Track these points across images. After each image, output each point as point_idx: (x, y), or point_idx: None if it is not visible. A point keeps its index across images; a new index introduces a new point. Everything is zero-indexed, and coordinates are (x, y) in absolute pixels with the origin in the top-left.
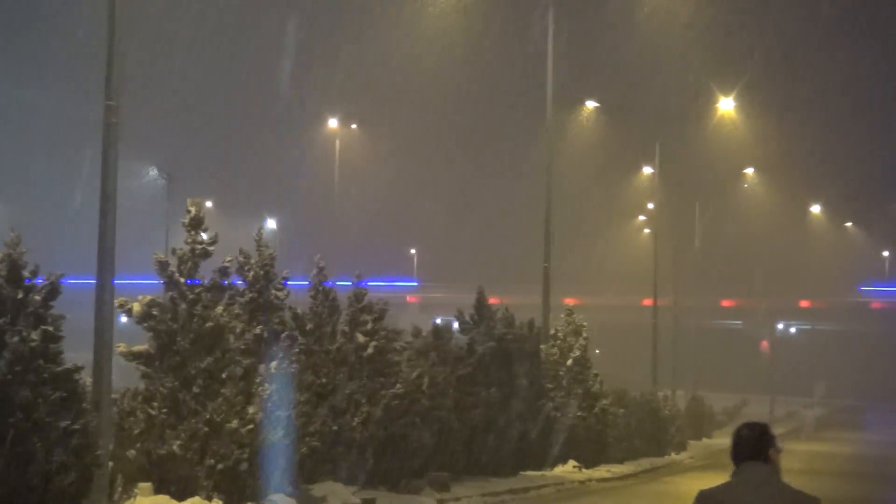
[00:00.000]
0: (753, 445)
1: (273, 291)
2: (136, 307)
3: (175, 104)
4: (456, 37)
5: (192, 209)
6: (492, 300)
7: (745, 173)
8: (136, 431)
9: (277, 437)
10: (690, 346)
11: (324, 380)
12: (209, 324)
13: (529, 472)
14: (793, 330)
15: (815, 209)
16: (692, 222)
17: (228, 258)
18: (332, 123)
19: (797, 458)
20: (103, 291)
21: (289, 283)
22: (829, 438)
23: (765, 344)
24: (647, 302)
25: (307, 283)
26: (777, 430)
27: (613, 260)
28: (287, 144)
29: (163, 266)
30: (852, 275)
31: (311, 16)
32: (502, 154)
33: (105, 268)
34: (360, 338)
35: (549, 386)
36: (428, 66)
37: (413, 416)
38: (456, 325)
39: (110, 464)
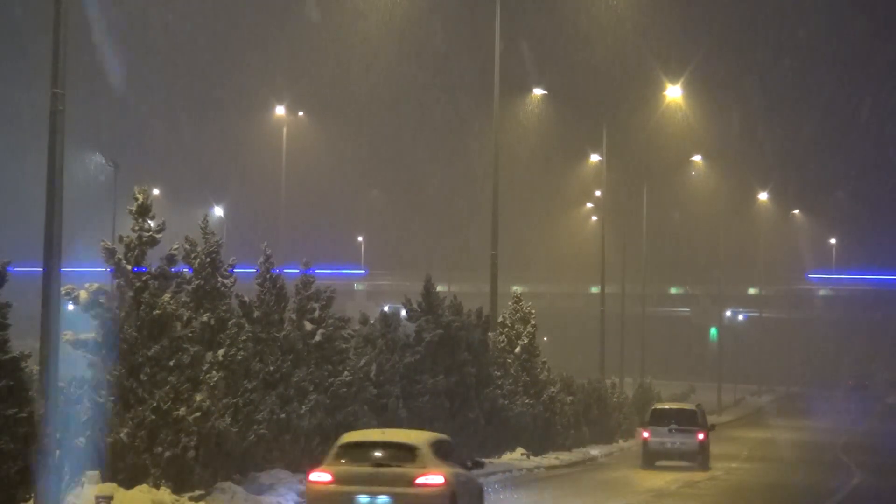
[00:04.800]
0: None
1: (220, 279)
2: (83, 295)
3: (122, 91)
4: (404, 25)
5: (140, 197)
6: (440, 288)
7: (692, 161)
8: (84, 420)
9: (225, 424)
10: (638, 334)
11: (271, 367)
12: (156, 311)
13: (477, 460)
14: (741, 317)
15: (763, 196)
16: (640, 210)
17: (175, 246)
18: (280, 111)
19: (744, 445)
20: (50, 279)
21: (236, 270)
22: (774, 426)
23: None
24: (596, 289)
25: (254, 270)
26: (727, 417)
27: (562, 247)
28: (234, 132)
29: (110, 254)
30: (800, 262)
31: (260, 2)
32: (451, 142)
33: (51, 255)
34: (308, 325)
35: (497, 374)
36: (375, 55)
37: (361, 404)
38: (404, 312)
39: (57, 452)
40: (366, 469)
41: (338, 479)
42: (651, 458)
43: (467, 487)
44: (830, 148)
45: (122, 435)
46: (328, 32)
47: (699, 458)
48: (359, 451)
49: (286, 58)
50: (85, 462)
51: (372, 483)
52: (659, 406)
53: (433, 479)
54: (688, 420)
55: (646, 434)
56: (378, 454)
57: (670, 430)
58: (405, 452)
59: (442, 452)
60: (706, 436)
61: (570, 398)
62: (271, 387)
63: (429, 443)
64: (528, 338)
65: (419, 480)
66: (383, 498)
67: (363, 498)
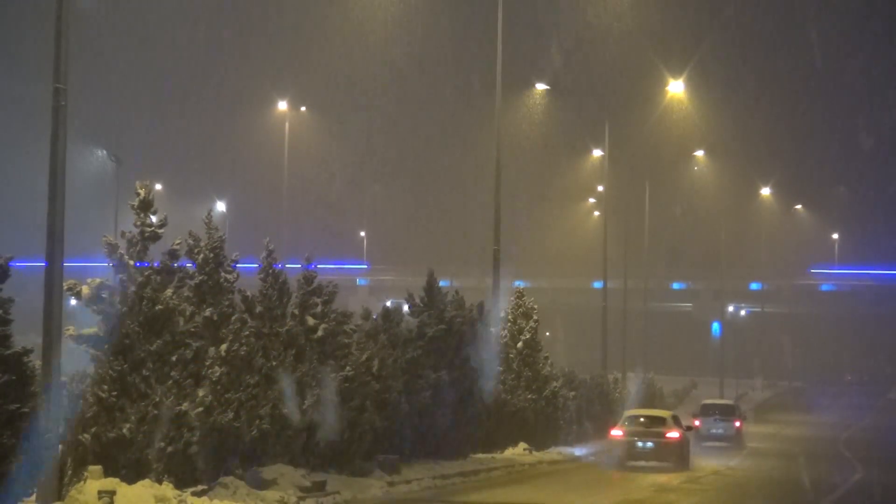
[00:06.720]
0: None
1: (223, 274)
2: (86, 290)
3: (124, 86)
4: (406, 18)
5: (142, 191)
6: (442, 283)
7: (695, 156)
8: (87, 415)
9: (227, 419)
10: (641, 329)
11: (274, 363)
12: (158, 306)
13: (480, 455)
14: (743, 312)
15: (766, 191)
16: (642, 205)
17: (178, 241)
18: (282, 106)
19: (746, 440)
20: (52, 274)
21: (238, 265)
22: (776, 420)
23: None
24: (598, 284)
25: (257, 265)
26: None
27: (564, 243)
28: (237, 127)
29: (112, 249)
30: (802, 257)
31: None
32: (454, 137)
33: (54, 250)
34: (310, 320)
35: (500, 369)
36: (378, 49)
37: (363, 399)
38: (406, 307)
39: (60, 447)
40: (640, 428)
41: (626, 434)
42: (700, 440)
43: (687, 440)
44: (833, 143)
45: (124, 430)
46: (328, 29)
47: (736, 440)
48: (635, 419)
49: (288, 53)
50: (87, 457)
51: (643, 436)
52: (706, 401)
53: (675, 434)
54: (728, 412)
55: (697, 422)
56: (645, 421)
57: (715, 420)
58: (660, 420)
59: (676, 421)
60: (741, 423)
61: (573, 393)
62: (273, 382)
63: (671, 416)
64: (531, 333)
65: (668, 435)
66: (649, 444)
67: (640, 443)
